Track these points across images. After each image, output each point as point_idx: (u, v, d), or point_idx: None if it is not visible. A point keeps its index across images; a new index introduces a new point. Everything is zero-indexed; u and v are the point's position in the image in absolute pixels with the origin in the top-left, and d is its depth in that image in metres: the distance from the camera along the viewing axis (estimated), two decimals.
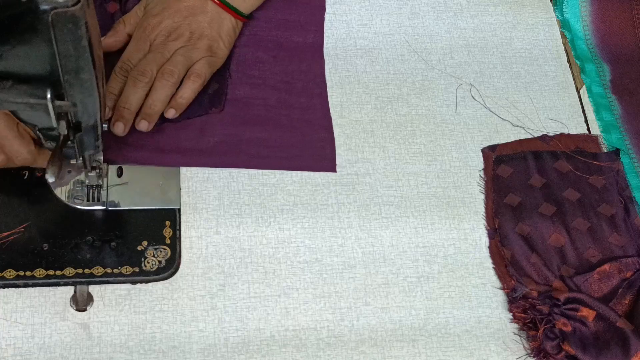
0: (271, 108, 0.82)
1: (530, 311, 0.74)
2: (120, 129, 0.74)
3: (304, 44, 0.87)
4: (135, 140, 0.76)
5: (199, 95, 0.79)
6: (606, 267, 0.78)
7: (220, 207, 0.76)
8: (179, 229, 0.74)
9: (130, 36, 0.80)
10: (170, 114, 0.77)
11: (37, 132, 0.61)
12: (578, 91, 0.91)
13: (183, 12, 0.80)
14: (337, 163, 0.81)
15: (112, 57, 0.80)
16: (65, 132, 0.57)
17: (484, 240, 0.79)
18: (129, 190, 0.75)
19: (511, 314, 0.75)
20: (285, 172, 0.79)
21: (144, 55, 0.78)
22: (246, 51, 0.85)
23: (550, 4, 0.97)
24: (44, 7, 0.47)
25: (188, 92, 0.78)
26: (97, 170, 0.69)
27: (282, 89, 0.83)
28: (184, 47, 0.79)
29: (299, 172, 0.79)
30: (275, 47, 0.86)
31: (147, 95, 0.76)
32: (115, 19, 0.82)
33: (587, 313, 0.74)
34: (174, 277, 0.72)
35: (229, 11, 0.82)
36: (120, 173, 0.75)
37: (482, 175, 0.83)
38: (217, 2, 0.81)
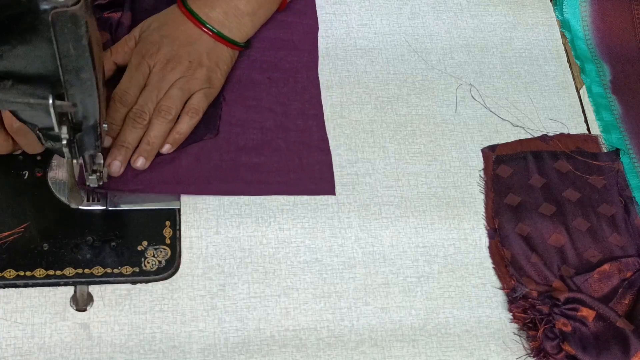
0: (267, 131, 0.81)
1: (530, 311, 0.74)
2: (116, 167, 0.73)
3: (299, 64, 0.86)
4: (130, 170, 0.74)
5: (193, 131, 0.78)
6: (606, 267, 0.78)
7: (220, 207, 0.76)
8: (179, 229, 0.74)
9: (117, 66, 0.79)
10: (166, 149, 0.76)
11: (37, 132, 0.61)
12: (578, 91, 0.91)
13: (181, 40, 0.78)
14: (337, 163, 0.81)
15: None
16: (67, 137, 0.57)
17: (484, 240, 0.79)
18: None
19: (511, 314, 0.75)
20: None
21: (140, 86, 0.76)
22: (240, 73, 0.84)
23: (550, 4, 0.97)
24: (44, 6, 0.47)
25: (185, 128, 0.77)
26: (98, 174, 0.69)
27: (277, 111, 0.82)
28: (182, 79, 0.77)
29: None
30: (269, 68, 0.85)
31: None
32: (106, 47, 0.81)
33: (587, 313, 0.74)
34: (174, 277, 0.72)
35: (225, 43, 0.80)
36: None
37: (482, 175, 0.83)
38: (212, 35, 0.79)
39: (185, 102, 0.77)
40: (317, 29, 0.89)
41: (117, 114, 0.75)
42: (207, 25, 0.79)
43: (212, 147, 0.79)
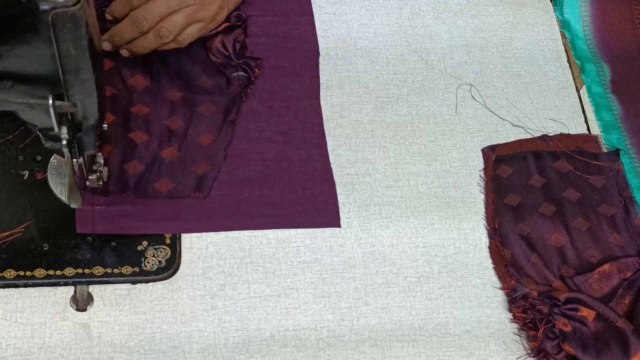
0: (269, 162, 0.79)
1: (530, 311, 0.74)
2: (106, 46, 0.79)
3: (300, 92, 0.84)
4: (128, 210, 0.73)
5: (186, 176, 0.76)
6: (606, 267, 0.78)
7: None
8: None
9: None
10: (124, 53, 0.79)
11: (37, 132, 0.61)
12: (578, 91, 0.91)
13: None
14: (337, 163, 0.81)
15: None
16: (67, 137, 0.57)
17: (484, 240, 0.79)
18: None
19: (511, 314, 0.75)
20: None
21: None
22: (240, 103, 0.82)
23: (550, 4, 0.97)
24: (44, 7, 0.47)
25: (146, 45, 0.79)
26: (98, 174, 0.69)
27: (279, 140, 0.80)
28: (193, 6, 0.78)
29: None
30: (270, 97, 0.83)
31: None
32: None
33: (587, 313, 0.74)
34: (174, 277, 0.72)
35: None
36: None
37: (482, 175, 0.83)
38: None
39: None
40: (318, 54, 0.87)
41: (119, 8, 0.79)
42: None
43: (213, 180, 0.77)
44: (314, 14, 0.90)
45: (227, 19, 0.84)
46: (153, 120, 0.78)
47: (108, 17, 0.80)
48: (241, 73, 0.83)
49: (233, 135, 0.79)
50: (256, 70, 0.83)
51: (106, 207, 0.73)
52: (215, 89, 0.82)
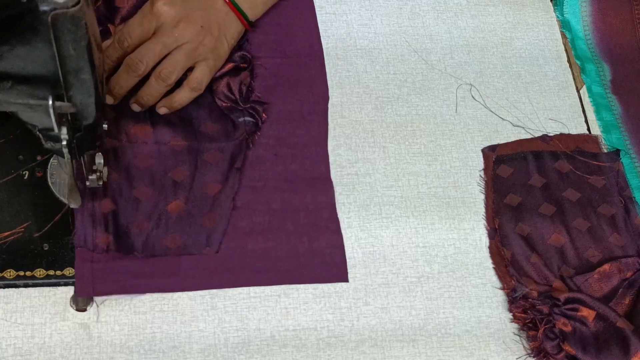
0: (275, 213, 0.76)
1: (530, 311, 0.74)
2: (108, 100, 0.75)
3: (307, 138, 0.80)
4: (130, 267, 0.70)
5: (195, 230, 0.73)
6: (606, 267, 0.78)
7: None
8: None
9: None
10: (162, 111, 0.76)
11: (37, 132, 0.61)
12: (578, 91, 0.91)
13: (195, 2, 0.76)
14: (337, 163, 0.80)
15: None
16: (67, 138, 0.57)
17: (484, 240, 0.79)
18: None
19: (511, 314, 0.75)
20: None
21: (145, 35, 0.75)
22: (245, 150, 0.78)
23: (550, 4, 0.97)
24: (44, 7, 0.47)
25: (184, 100, 0.76)
26: (98, 173, 0.69)
27: (285, 189, 0.77)
28: (190, 43, 0.75)
29: None
30: (276, 144, 0.79)
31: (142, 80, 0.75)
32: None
33: (587, 313, 0.74)
34: None
35: (237, 13, 0.79)
36: None
37: (482, 175, 0.83)
38: (227, 2, 0.78)
39: (188, 70, 0.76)
40: (327, 99, 0.83)
41: (112, 53, 0.75)
42: None
43: None
44: (314, 13, 0.89)
45: (232, 59, 0.80)
46: (157, 173, 0.75)
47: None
48: (248, 118, 0.79)
49: (240, 184, 0.76)
50: (264, 115, 0.80)
51: (106, 263, 0.70)
52: (221, 134, 0.78)
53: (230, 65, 0.80)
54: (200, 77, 0.76)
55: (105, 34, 0.79)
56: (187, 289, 0.71)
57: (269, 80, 0.82)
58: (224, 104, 0.79)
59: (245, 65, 0.81)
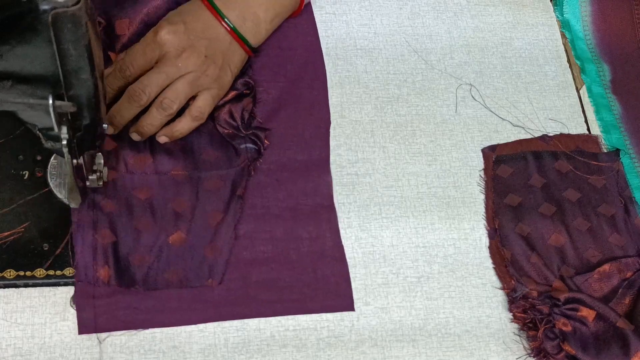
0: (278, 242, 0.74)
1: (530, 311, 0.74)
2: (110, 131, 0.74)
3: (309, 162, 0.79)
4: (132, 302, 0.69)
5: (197, 262, 0.72)
6: (606, 267, 0.78)
7: None
8: None
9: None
10: (162, 140, 0.75)
11: (37, 132, 0.61)
12: (578, 91, 0.91)
13: (198, 31, 0.75)
14: (337, 163, 0.80)
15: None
16: (67, 137, 0.57)
17: (484, 240, 0.79)
18: None
19: (511, 314, 0.75)
20: None
21: (148, 64, 0.74)
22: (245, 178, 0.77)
23: (550, 4, 0.97)
24: (44, 7, 0.47)
25: (185, 129, 0.75)
26: (98, 173, 0.69)
27: (288, 217, 0.76)
28: (193, 73, 0.74)
29: None
30: (277, 169, 0.78)
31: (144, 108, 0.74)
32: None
33: (587, 313, 0.74)
34: None
35: (239, 42, 0.77)
36: None
37: (482, 175, 0.83)
38: (229, 30, 0.77)
39: (190, 99, 0.75)
40: (329, 123, 0.82)
41: (114, 82, 0.74)
42: (226, 20, 0.76)
43: None
44: (314, 13, 0.89)
45: (235, 87, 0.79)
46: (158, 204, 0.74)
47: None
48: (250, 145, 0.78)
49: (242, 212, 0.75)
50: (266, 141, 0.78)
51: (107, 299, 0.69)
52: (222, 161, 0.77)
53: (233, 94, 0.79)
54: (202, 107, 0.75)
55: (106, 61, 0.77)
56: (191, 323, 0.70)
57: (271, 105, 0.81)
58: (225, 131, 0.78)
59: (248, 92, 0.80)
